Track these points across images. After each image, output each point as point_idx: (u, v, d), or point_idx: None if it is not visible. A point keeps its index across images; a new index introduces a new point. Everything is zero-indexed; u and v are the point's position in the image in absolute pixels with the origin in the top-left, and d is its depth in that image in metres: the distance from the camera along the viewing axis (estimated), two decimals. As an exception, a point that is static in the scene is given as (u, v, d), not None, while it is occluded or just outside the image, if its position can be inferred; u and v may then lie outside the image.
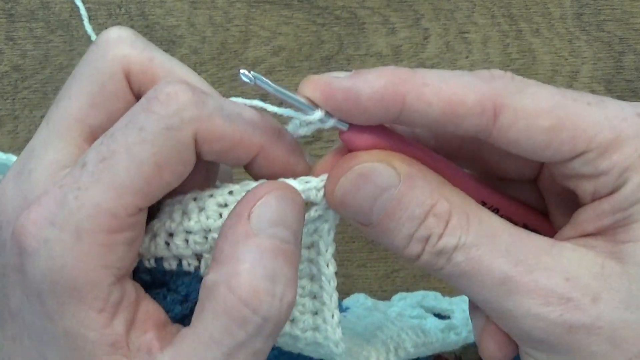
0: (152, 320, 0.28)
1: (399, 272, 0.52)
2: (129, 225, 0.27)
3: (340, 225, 0.32)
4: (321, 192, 0.29)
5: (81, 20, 0.53)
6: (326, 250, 0.30)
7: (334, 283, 0.31)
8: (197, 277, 0.30)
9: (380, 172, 0.27)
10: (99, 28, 0.53)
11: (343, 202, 0.28)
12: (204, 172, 0.30)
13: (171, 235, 0.29)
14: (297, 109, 0.28)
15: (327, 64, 0.54)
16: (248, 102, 0.29)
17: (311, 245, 0.31)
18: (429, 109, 0.26)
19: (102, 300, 0.27)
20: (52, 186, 0.27)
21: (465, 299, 0.43)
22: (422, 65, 0.54)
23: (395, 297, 0.46)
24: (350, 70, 0.28)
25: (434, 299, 0.45)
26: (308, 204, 0.29)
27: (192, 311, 0.28)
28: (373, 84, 0.26)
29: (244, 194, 0.28)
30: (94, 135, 0.30)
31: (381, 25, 0.54)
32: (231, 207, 0.28)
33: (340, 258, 0.48)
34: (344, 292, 0.44)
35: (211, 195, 0.29)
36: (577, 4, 0.55)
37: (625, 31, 0.55)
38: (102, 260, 0.26)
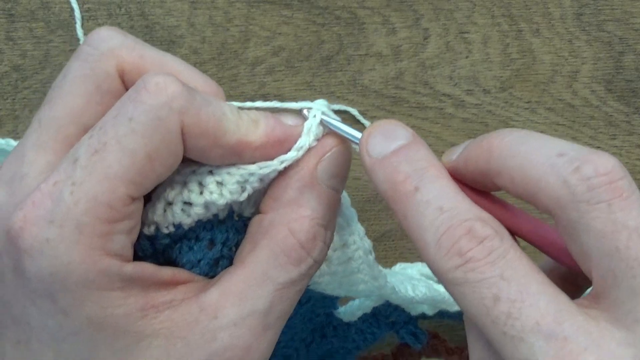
0: (178, 277, 0.29)
1: (399, 272, 0.52)
2: (125, 214, 0.27)
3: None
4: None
5: (81, 20, 0.53)
6: None
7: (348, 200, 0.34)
8: (216, 220, 0.31)
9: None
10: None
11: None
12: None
13: (190, 204, 0.30)
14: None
15: (327, 64, 0.54)
16: (250, 104, 0.30)
17: None
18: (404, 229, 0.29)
19: (117, 282, 0.27)
20: (44, 184, 0.27)
21: None
22: (422, 65, 0.54)
23: (396, 266, 0.46)
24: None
25: None
26: None
27: (221, 253, 0.30)
28: (377, 185, 0.29)
29: (263, 169, 0.30)
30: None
31: (381, 25, 0.54)
32: (230, 186, 0.30)
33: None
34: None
35: (228, 173, 0.30)
36: (577, 4, 0.55)
37: (625, 31, 0.55)
38: (105, 250, 0.27)
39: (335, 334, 0.42)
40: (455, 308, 0.43)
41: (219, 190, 0.30)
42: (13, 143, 0.45)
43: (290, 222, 0.29)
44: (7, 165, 0.29)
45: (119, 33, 0.31)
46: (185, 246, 0.30)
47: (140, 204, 0.28)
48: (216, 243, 0.31)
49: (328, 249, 0.31)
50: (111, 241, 0.27)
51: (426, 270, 0.45)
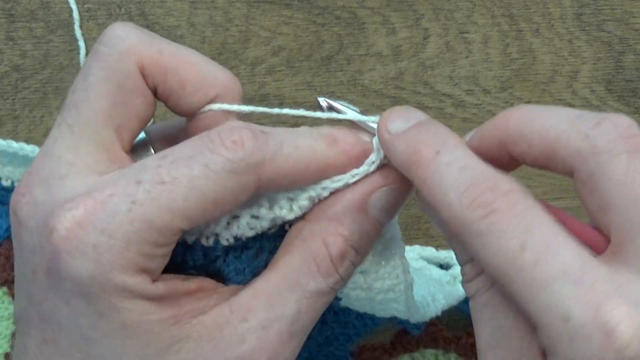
0: (204, 286, 0.30)
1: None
2: (170, 242, 0.28)
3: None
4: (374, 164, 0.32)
5: (81, 20, 0.53)
6: None
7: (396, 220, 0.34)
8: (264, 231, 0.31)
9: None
10: (99, 28, 0.53)
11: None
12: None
13: (257, 217, 0.30)
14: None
15: (327, 64, 0.54)
16: (268, 110, 0.32)
17: None
18: (423, 196, 0.29)
19: (152, 295, 0.28)
20: (97, 193, 0.27)
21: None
22: (422, 65, 0.54)
23: None
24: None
25: (430, 251, 0.46)
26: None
27: (267, 263, 0.31)
28: (395, 155, 0.30)
29: (326, 190, 0.31)
30: (119, 135, 0.30)
31: (381, 25, 0.54)
32: (301, 201, 0.31)
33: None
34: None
35: (303, 190, 0.31)
36: (577, 4, 0.55)
37: (625, 31, 0.55)
38: (144, 267, 0.28)
39: (336, 319, 0.42)
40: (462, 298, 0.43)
41: (289, 205, 0.31)
42: (14, 144, 0.45)
43: (328, 235, 0.30)
44: (39, 165, 0.30)
45: (134, 29, 0.31)
46: (231, 255, 0.31)
47: (182, 234, 0.29)
48: (264, 251, 0.31)
49: (354, 270, 0.32)
50: (151, 262, 0.28)
51: (425, 252, 0.45)
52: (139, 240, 0.27)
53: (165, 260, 0.29)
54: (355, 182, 0.31)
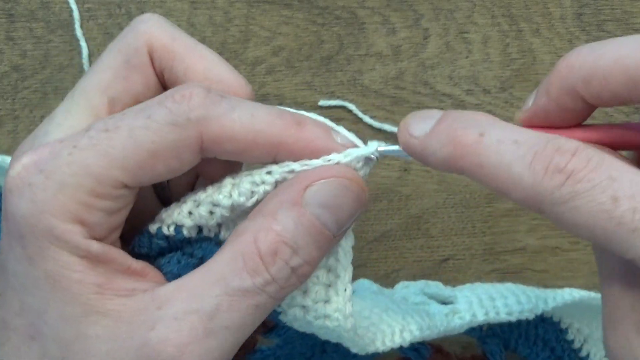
0: (148, 272, 0.30)
1: (399, 272, 0.52)
2: (110, 195, 0.28)
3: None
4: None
5: (81, 20, 0.53)
6: None
7: (350, 257, 0.31)
8: (216, 241, 0.31)
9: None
10: (99, 28, 0.53)
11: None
12: (223, 168, 0.32)
13: (197, 204, 0.30)
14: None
15: (327, 64, 0.54)
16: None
17: None
18: (485, 185, 0.28)
19: (82, 250, 0.28)
20: (53, 142, 0.29)
21: (469, 287, 0.44)
22: (422, 65, 0.54)
23: (399, 285, 0.46)
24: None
25: (436, 287, 0.45)
26: None
27: None
28: (436, 153, 0.28)
29: (281, 174, 0.29)
30: (112, 105, 0.31)
31: (381, 25, 0.54)
32: (265, 186, 0.30)
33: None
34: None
35: (249, 174, 0.30)
36: (577, 4, 0.55)
37: (625, 31, 0.55)
38: (78, 216, 0.28)
39: (336, 349, 0.42)
40: (453, 332, 0.42)
41: (229, 192, 0.30)
42: (8, 160, 0.45)
43: (259, 230, 0.28)
44: (39, 127, 0.31)
45: (158, 17, 0.32)
46: (175, 258, 0.31)
47: (131, 195, 0.29)
48: (204, 261, 0.30)
49: (299, 278, 0.29)
50: (88, 213, 0.28)
51: (429, 289, 0.45)
52: (75, 185, 0.27)
53: (111, 221, 0.29)
54: (294, 178, 0.29)
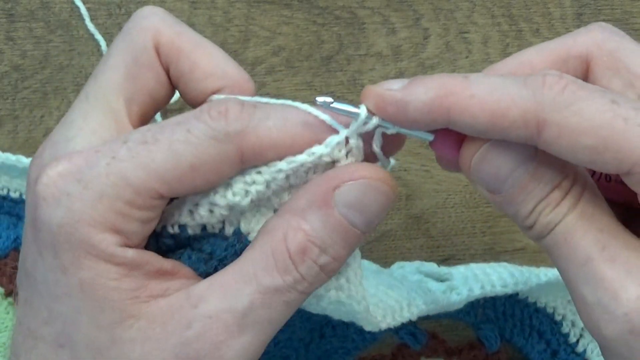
0: (179, 269, 0.30)
1: (399, 272, 0.52)
2: (147, 205, 0.28)
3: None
4: (343, 151, 0.30)
5: (81, 20, 0.53)
6: None
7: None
8: (221, 236, 0.31)
9: (519, 145, 0.28)
10: (99, 28, 0.53)
11: (478, 171, 0.29)
12: None
13: (196, 205, 0.30)
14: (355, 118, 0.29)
15: (327, 64, 0.54)
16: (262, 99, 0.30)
17: None
18: (474, 121, 0.27)
19: (118, 258, 0.28)
20: (87, 150, 0.28)
21: (463, 266, 0.44)
22: (422, 65, 0.54)
23: (394, 266, 0.46)
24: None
25: (430, 267, 0.45)
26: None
27: (216, 269, 0.30)
28: (420, 97, 0.27)
29: (271, 173, 0.29)
30: (129, 106, 0.31)
31: (381, 25, 0.54)
32: (257, 186, 0.30)
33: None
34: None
35: (241, 174, 0.30)
36: (577, 4, 0.55)
37: (625, 31, 0.55)
38: (115, 225, 0.28)
39: (334, 333, 0.42)
40: (453, 308, 0.43)
41: (244, 190, 0.30)
42: (24, 160, 0.46)
43: (288, 229, 0.29)
44: (55, 131, 0.31)
45: (160, 10, 0.32)
46: (186, 254, 0.31)
47: (164, 202, 0.29)
48: (213, 258, 0.31)
49: (327, 274, 0.30)
50: (125, 222, 0.28)
51: (425, 268, 0.45)
52: (113, 195, 0.27)
53: (145, 229, 0.29)
54: (322, 177, 0.29)
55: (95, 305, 0.28)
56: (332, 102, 0.29)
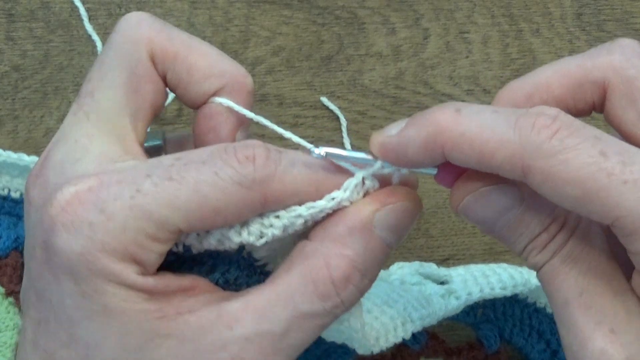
0: (197, 283, 0.30)
1: (399, 272, 0.52)
2: (166, 239, 0.28)
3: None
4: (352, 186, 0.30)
5: (81, 20, 0.53)
6: None
7: None
8: (224, 251, 0.31)
9: (505, 192, 0.29)
10: (99, 28, 0.53)
11: (468, 216, 0.30)
12: None
13: (207, 232, 0.30)
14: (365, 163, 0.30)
15: (327, 64, 0.54)
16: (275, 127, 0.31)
17: None
18: (467, 158, 0.27)
19: (139, 286, 0.28)
20: (105, 177, 0.28)
21: (463, 267, 0.44)
22: (422, 65, 0.54)
23: (393, 267, 0.46)
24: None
25: (429, 268, 0.45)
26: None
27: (218, 282, 0.30)
28: (414, 139, 0.28)
29: (289, 219, 0.29)
30: (134, 124, 0.31)
31: (381, 25, 0.54)
32: (274, 230, 0.30)
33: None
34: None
35: (259, 216, 0.30)
36: (577, 4, 0.55)
37: (625, 31, 0.55)
38: (136, 256, 0.27)
39: None
40: (450, 314, 0.42)
41: (259, 232, 0.30)
42: (25, 158, 0.46)
43: (330, 256, 0.29)
44: (54, 149, 0.30)
45: (147, 17, 0.31)
46: (187, 266, 0.31)
47: (181, 235, 0.29)
48: (215, 271, 0.31)
49: (360, 296, 0.30)
50: (144, 254, 0.28)
51: (424, 269, 0.45)
52: (136, 228, 0.27)
53: (160, 260, 0.29)
54: (361, 202, 0.30)
55: (121, 328, 0.27)
56: (326, 154, 0.29)
